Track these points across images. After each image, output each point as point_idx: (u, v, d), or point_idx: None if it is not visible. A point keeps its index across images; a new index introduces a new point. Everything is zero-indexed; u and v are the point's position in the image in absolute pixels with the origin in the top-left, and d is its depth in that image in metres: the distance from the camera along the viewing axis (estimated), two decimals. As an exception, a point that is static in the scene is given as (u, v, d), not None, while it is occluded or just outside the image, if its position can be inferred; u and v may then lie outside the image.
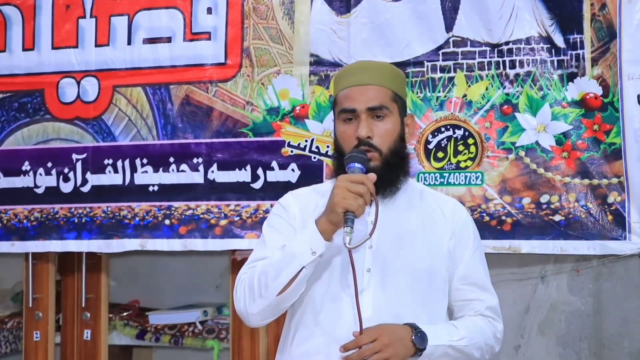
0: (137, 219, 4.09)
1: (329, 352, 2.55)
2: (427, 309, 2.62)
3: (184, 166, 4.05)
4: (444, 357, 2.58)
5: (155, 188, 4.08)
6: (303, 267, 2.47)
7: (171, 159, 4.06)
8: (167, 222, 4.06)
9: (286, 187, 3.78)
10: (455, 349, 2.58)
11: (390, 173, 2.61)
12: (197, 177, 4.03)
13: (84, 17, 4.19)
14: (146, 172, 4.10)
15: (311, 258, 2.47)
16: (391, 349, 2.47)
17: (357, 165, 2.52)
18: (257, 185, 3.94)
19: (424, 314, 2.60)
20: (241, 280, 2.57)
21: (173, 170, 4.06)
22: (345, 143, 2.63)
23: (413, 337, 2.51)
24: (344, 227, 2.43)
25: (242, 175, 3.97)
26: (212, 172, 4.01)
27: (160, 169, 4.07)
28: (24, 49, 4.27)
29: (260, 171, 3.93)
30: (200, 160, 4.03)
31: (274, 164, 3.92)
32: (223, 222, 3.98)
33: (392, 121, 2.64)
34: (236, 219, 3.97)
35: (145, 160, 4.10)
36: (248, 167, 3.97)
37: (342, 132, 2.64)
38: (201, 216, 4.01)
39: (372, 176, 2.49)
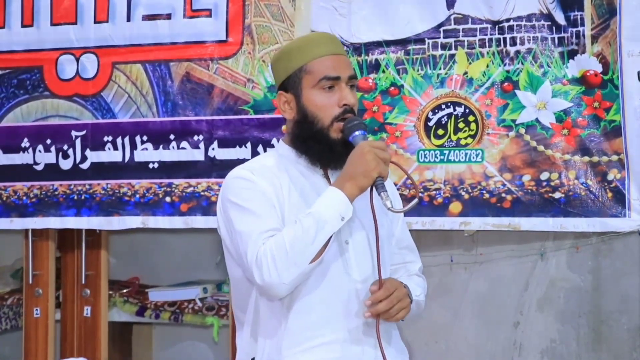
0: (137, 196, 4.09)
1: (334, 323, 2.57)
2: (387, 271, 2.67)
3: (184, 143, 4.04)
4: (409, 313, 2.65)
5: (156, 165, 4.08)
6: (333, 233, 2.48)
7: (171, 136, 4.05)
8: (167, 199, 4.06)
9: (287, 164, 3.81)
10: (417, 304, 2.71)
11: None
12: (198, 155, 4.02)
13: (83, -7, 4.18)
14: (146, 149, 4.09)
15: (340, 224, 2.48)
16: (407, 300, 2.59)
17: (359, 132, 2.55)
18: (258, 162, 3.94)
19: (388, 277, 2.67)
20: (263, 251, 2.47)
21: (173, 147, 4.05)
22: (325, 112, 2.60)
23: (408, 292, 2.62)
24: (380, 192, 2.47)
25: (242, 152, 3.96)
26: (213, 149, 4.01)
27: (161, 146, 4.07)
28: (22, 25, 4.25)
29: (260, 148, 3.92)
30: (200, 137, 4.02)
31: (274, 141, 3.92)
32: (224, 200, 3.98)
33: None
34: (236, 196, 3.97)
35: (145, 138, 4.09)
36: (249, 145, 3.96)
37: (323, 101, 2.61)
38: (202, 193, 4.02)
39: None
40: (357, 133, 2.55)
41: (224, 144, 3.99)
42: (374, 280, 2.56)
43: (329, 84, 2.61)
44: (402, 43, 3.82)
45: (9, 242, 4.79)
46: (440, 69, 3.80)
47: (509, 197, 3.74)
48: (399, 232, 2.79)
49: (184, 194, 4.04)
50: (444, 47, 3.80)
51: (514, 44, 3.73)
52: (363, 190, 2.50)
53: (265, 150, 3.89)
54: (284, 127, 3.87)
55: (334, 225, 2.47)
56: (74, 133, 4.18)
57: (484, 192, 3.76)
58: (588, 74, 3.67)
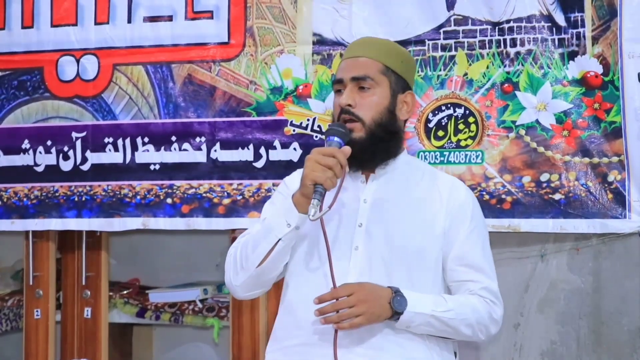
0: (138, 197, 4.09)
1: (308, 325, 2.57)
2: (415, 289, 2.57)
3: (186, 145, 4.03)
4: (427, 327, 2.55)
5: (157, 167, 4.07)
6: (279, 239, 2.51)
7: (173, 138, 4.04)
8: (169, 200, 4.06)
9: (288, 166, 3.82)
10: (440, 320, 2.55)
11: (375, 145, 2.60)
12: (200, 156, 4.02)
13: (83, -6, 4.17)
14: (147, 150, 4.09)
15: (286, 230, 2.51)
16: (366, 306, 2.45)
17: (335, 139, 2.53)
18: (260, 164, 3.94)
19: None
20: (229, 253, 2.66)
21: (175, 149, 4.05)
22: (335, 114, 2.65)
23: (392, 300, 2.48)
24: (312, 199, 2.44)
25: (244, 154, 3.96)
26: (215, 151, 4.00)
27: (162, 148, 4.06)
28: (23, 27, 4.25)
29: (262, 150, 3.93)
30: (202, 139, 4.02)
31: (277, 143, 3.92)
32: (226, 201, 3.98)
33: (378, 93, 2.63)
34: (239, 198, 3.97)
35: (146, 139, 4.08)
36: (251, 146, 3.96)
37: (334, 104, 2.67)
38: (204, 195, 4.02)
39: (347, 149, 2.50)
40: (331, 139, 2.54)
41: (226, 145, 3.99)
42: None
43: (337, 87, 2.66)
44: (402, 44, 3.75)
45: (10, 244, 4.78)
46: (440, 70, 3.81)
47: (508, 199, 3.74)
48: (458, 248, 2.66)
49: (185, 195, 4.04)
50: (444, 48, 3.80)
51: (514, 45, 3.73)
52: (308, 197, 2.46)
53: (267, 152, 3.93)
54: (286, 129, 3.90)
55: (279, 232, 2.51)
56: (74, 134, 4.18)
57: (484, 193, 3.76)
58: (588, 75, 3.67)
